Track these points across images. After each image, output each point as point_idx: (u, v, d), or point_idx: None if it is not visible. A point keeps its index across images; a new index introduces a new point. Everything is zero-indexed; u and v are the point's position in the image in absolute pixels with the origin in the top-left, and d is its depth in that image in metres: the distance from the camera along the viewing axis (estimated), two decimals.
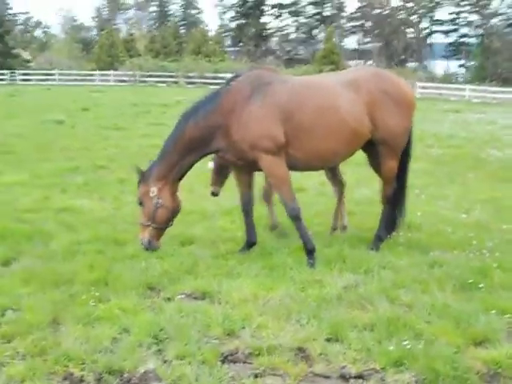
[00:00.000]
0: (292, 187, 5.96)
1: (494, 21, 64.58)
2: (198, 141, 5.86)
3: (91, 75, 45.24)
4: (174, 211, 6.11)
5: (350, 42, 65.83)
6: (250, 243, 6.25)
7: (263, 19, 68.16)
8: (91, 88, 37.30)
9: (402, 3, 66.50)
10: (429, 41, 69.77)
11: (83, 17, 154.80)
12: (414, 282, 5.30)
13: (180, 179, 6.18)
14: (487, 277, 5.46)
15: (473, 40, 69.43)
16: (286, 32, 69.75)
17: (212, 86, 42.35)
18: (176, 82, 42.93)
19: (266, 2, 68.43)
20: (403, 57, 65.36)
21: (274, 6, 68.79)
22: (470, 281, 5.30)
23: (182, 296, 4.88)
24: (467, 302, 4.82)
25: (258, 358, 3.90)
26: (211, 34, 62.39)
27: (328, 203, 7.66)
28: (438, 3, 67.32)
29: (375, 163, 6.61)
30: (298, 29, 68.83)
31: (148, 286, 5.11)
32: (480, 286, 5.22)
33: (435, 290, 5.09)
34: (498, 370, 3.80)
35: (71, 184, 9.35)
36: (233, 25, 69.66)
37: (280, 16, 69.08)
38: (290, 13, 68.57)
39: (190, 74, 43.54)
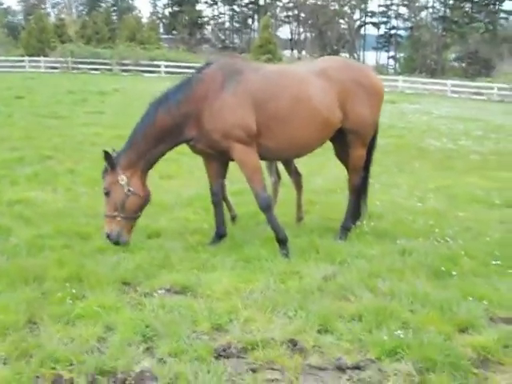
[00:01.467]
0: (263, 177, 5.90)
1: (423, 14, 66.59)
2: (170, 130, 5.69)
3: (21, 61, 43.36)
4: (146, 200, 5.90)
5: (284, 32, 66.17)
6: (220, 235, 6.14)
7: (198, 7, 67.39)
8: (23, 75, 35.77)
9: None
10: (361, 32, 71.05)
11: (9, 0, 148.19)
12: (389, 270, 5.35)
13: (149, 169, 5.99)
14: (457, 264, 5.59)
15: (402, 32, 71.46)
16: (220, 21, 69.22)
17: (147, 74, 41.83)
18: (110, 70, 41.80)
19: None
20: (335, 47, 66.33)
21: None
22: (443, 268, 5.41)
23: (162, 291, 4.73)
24: (444, 290, 4.91)
25: (252, 353, 3.83)
26: (144, 20, 61.20)
27: (286, 193, 7.60)
28: None
29: (342, 153, 6.63)
30: (232, 18, 68.43)
31: (123, 282, 4.93)
32: (453, 273, 5.34)
33: (411, 278, 5.18)
34: (487, 356, 3.88)
35: (20, 175, 8.92)
36: (166, 12, 68.54)
37: (215, 4, 68.51)
38: (224, 1, 68.09)
39: (125, 62, 42.51)
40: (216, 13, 69.28)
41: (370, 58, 70.34)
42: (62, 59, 42.65)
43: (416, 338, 3.95)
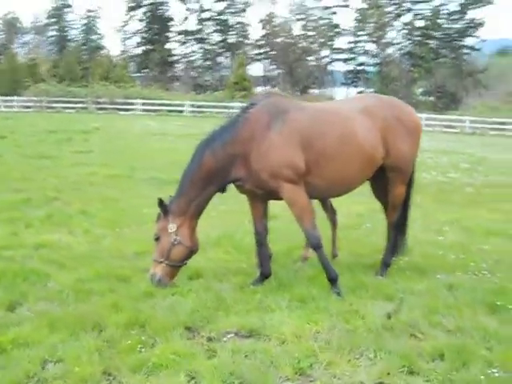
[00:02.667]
0: (313, 216, 5.85)
1: (390, 50, 68.22)
2: (216, 171, 5.62)
3: None
4: (192, 250, 5.86)
5: (254, 69, 66.82)
6: (265, 275, 6.02)
7: (168, 45, 67.89)
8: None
9: (303, 32, 68.69)
10: (329, 68, 72.32)
11: None
12: (446, 307, 5.30)
13: (199, 215, 5.90)
14: (509, 298, 5.57)
15: (370, 68, 73.01)
16: (191, 58, 69.73)
17: (123, 112, 41.72)
18: (85, 108, 41.59)
19: (171, 29, 68.22)
20: (305, 84, 67.33)
21: (179, 33, 68.68)
22: (498, 303, 5.38)
23: (232, 335, 4.58)
24: (509, 325, 4.87)
25: None
26: (115, 59, 61.31)
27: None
28: (337, 32, 70.13)
29: (379, 190, 6.64)
30: (203, 55, 69.05)
31: (185, 326, 4.76)
32: (509, 307, 5.31)
33: (469, 314, 5.13)
34: None
35: (33, 218, 8.65)
36: (137, 50, 68.79)
37: (185, 43, 69.08)
38: (195, 39, 68.74)
39: (100, 100, 42.36)
40: (187, 51, 69.86)
41: (340, 93, 71.45)
42: (35, 98, 42.31)
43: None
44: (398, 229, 6.63)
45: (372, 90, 65.50)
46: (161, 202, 5.73)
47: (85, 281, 5.78)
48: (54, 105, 41.95)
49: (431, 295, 5.62)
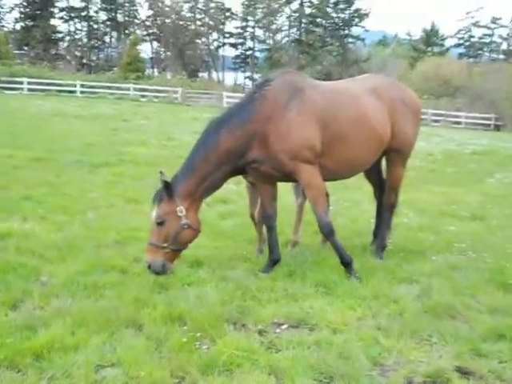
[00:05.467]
0: (327, 201, 5.65)
1: (279, 36, 69.22)
2: (235, 151, 5.27)
3: None
4: (199, 232, 5.45)
5: (143, 50, 64.83)
6: (275, 260, 5.75)
7: (52, 22, 64.02)
8: None
9: (192, 14, 67.78)
10: (219, 53, 72.10)
11: None
12: (467, 287, 5.33)
13: (206, 197, 5.53)
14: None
15: (258, 54, 73.71)
16: (77, 37, 66.39)
17: (8, 91, 38.72)
18: None
19: (56, 4, 64.38)
20: (193, 67, 66.61)
21: (62, 9, 65.01)
22: (510, 282, 5.50)
23: (284, 326, 4.28)
24: None
25: None
26: None
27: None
28: (226, 17, 69.96)
29: (372, 172, 6.57)
30: (89, 34, 65.98)
31: (225, 319, 4.40)
32: None
33: (493, 292, 5.21)
34: None
35: None
36: (17, 26, 64.30)
37: (71, 20, 65.56)
38: (80, 17, 65.45)
39: None
40: (72, 29, 66.39)
41: (229, 78, 71.45)
42: None
43: None
44: (393, 211, 6.61)
45: (260, 75, 66.22)
46: (167, 185, 5.24)
47: (85, 273, 5.17)
48: None
49: (443, 277, 5.64)
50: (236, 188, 9.60)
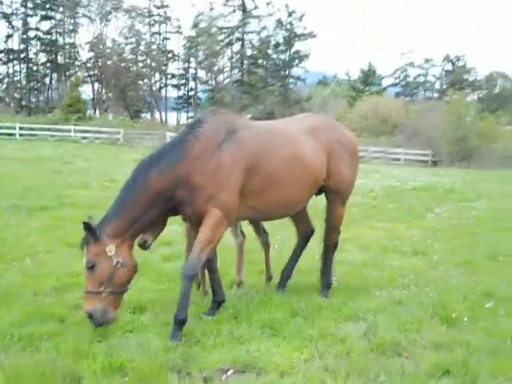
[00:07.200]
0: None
1: (221, 77, 70.04)
2: (164, 192, 5.13)
3: None
4: (135, 271, 5.27)
5: (85, 91, 64.10)
6: (219, 302, 5.64)
7: None
8: None
9: (134, 56, 67.87)
10: (161, 93, 72.21)
11: None
12: (410, 322, 5.37)
13: (136, 236, 5.34)
14: (455, 310, 5.79)
15: (201, 94, 74.29)
16: (16, 79, 65.17)
17: None
18: None
19: None
20: (135, 107, 66.46)
21: (1, 51, 63.87)
22: (453, 315, 5.57)
23: (231, 372, 4.17)
24: (488, 338, 5.04)
25: None
26: None
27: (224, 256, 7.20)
28: (168, 58, 70.44)
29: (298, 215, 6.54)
30: (28, 76, 64.91)
31: (169, 368, 4.24)
32: (464, 319, 5.52)
33: (436, 327, 5.26)
34: None
35: None
36: None
37: (9, 62, 64.43)
38: (19, 59, 64.43)
39: None
40: (11, 71, 65.19)
41: (172, 118, 71.55)
42: None
43: None
44: (334, 249, 6.62)
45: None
46: (88, 226, 5.02)
47: (20, 324, 4.92)
48: None
49: (388, 313, 5.67)
50: (180, 229, 9.48)
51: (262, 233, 6.85)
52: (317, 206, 7.04)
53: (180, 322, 4.90)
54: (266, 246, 6.86)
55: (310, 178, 5.85)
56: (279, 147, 5.67)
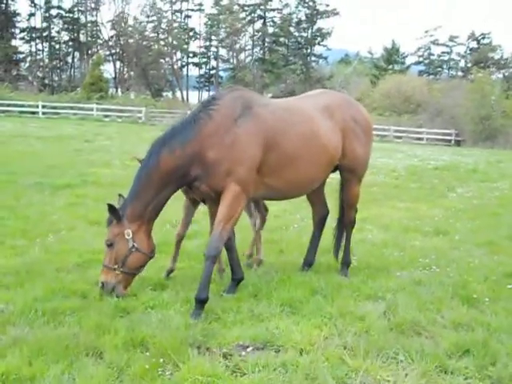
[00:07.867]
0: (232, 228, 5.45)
1: (242, 56, 69.71)
2: (176, 171, 5.12)
3: None
4: (149, 257, 5.39)
5: (107, 70, 64.30)
6: (238, 279, 5.68)
7: (13, 42, 63.15)
8: None
9: (155, 34, 67.69)
10: (183, 72, 72.13)
11: None
12: (431, 302, 5.36)
13: (155, 218, 5.39)
14: (477, 291, 5.76)
15: (222, 73, 74.02)
16: (38, 57, 65.56)
17: None
18: None
19: (17, 25, 63.62)
20: (157, 86, 66.48)
21: (23, 30, 64.28)
22: (474, 296, 5.54)
23: (250, 349, 4.21)
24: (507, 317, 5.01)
25: None
26: None
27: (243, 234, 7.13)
28: (190, 36, 70.18)
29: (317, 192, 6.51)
30: (51, 55, 65.25)
31: (189, 344, 4.29)
32: (485, 299, 5.48)
33: (457, 307, 5.24)
34: None
35: None
36: None
37: (32, 40, 64.80)
38: (42, 38, 64.75)
39: None
40: (33, 49, 65.58)
41: (193, 97, 71.49)
42: None
43: None
44: (352, 228, 6.61)
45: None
46: (112, 208, 5.15)
47: (44, 300, 5.01)
48: None
49: (408, 293, 5.65)
50: (200, 207, 9.51)
51: (261, 209, 6.74)
52: (331, 184, 6.99)
53: (201, 301, 4.94)
54: (259, 226, 6.76)
55: (326, 156, 5.81)
56: (296, 124, 5.62)
